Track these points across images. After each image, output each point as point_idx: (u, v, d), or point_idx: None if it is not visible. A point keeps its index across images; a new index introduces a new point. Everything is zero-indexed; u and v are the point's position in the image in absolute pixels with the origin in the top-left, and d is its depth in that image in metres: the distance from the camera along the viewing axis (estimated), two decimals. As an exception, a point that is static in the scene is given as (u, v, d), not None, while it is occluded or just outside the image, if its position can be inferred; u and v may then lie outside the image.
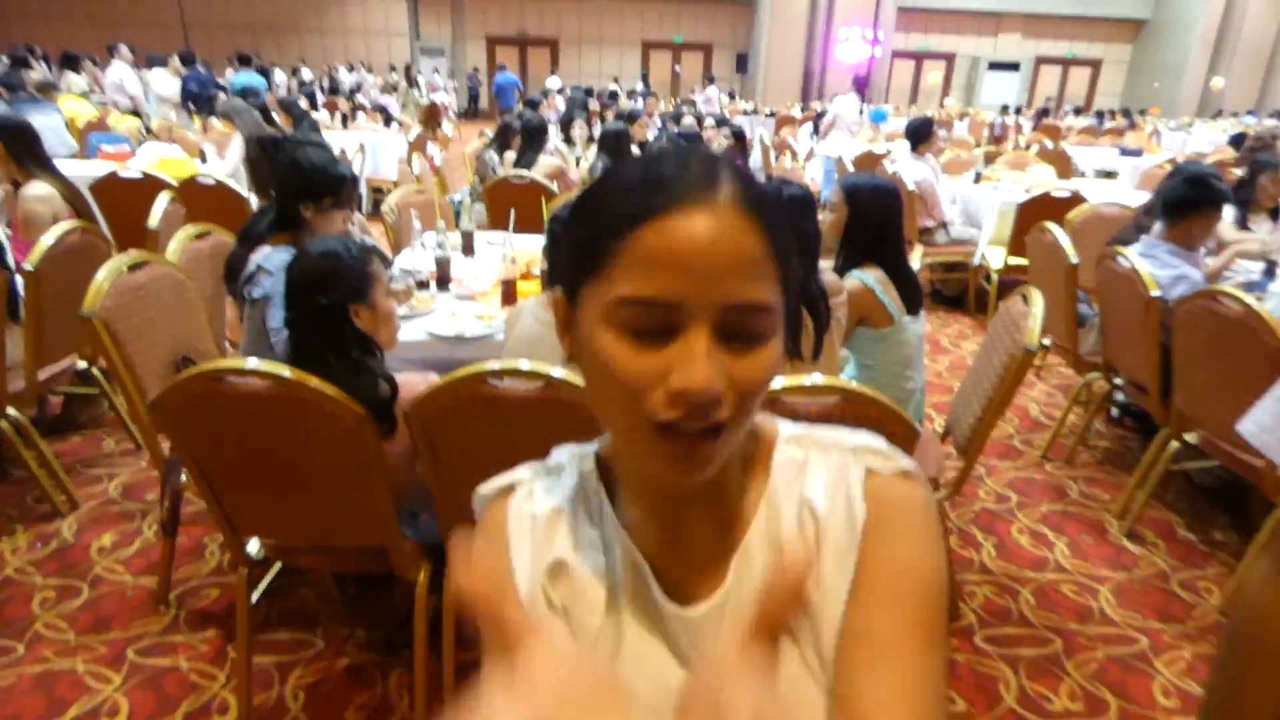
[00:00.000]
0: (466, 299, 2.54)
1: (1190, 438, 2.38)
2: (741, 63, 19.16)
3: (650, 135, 5.99)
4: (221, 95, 8.94)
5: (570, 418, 1.53)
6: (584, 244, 0.52)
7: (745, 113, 13.11)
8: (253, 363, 1.48)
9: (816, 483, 0.59)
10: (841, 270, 2.23)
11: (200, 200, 3.71)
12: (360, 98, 12.50)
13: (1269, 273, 2.92)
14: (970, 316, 4.75)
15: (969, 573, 2.31)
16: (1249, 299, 2.04)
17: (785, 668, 0.56)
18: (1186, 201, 2.56)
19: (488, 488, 0.67)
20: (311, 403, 1.53)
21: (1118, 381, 2.78)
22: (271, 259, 2.10)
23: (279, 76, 14.40)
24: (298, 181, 2.22)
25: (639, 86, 14.56)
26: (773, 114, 12.67)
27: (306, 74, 15.02)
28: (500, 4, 18.94)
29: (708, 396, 0.47)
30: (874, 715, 0.51)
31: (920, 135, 4.82)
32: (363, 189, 6.92)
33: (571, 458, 0.66)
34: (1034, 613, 2.15)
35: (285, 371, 1.53)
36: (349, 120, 8.82)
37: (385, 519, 1.67)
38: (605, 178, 0.54)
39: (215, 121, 6.85)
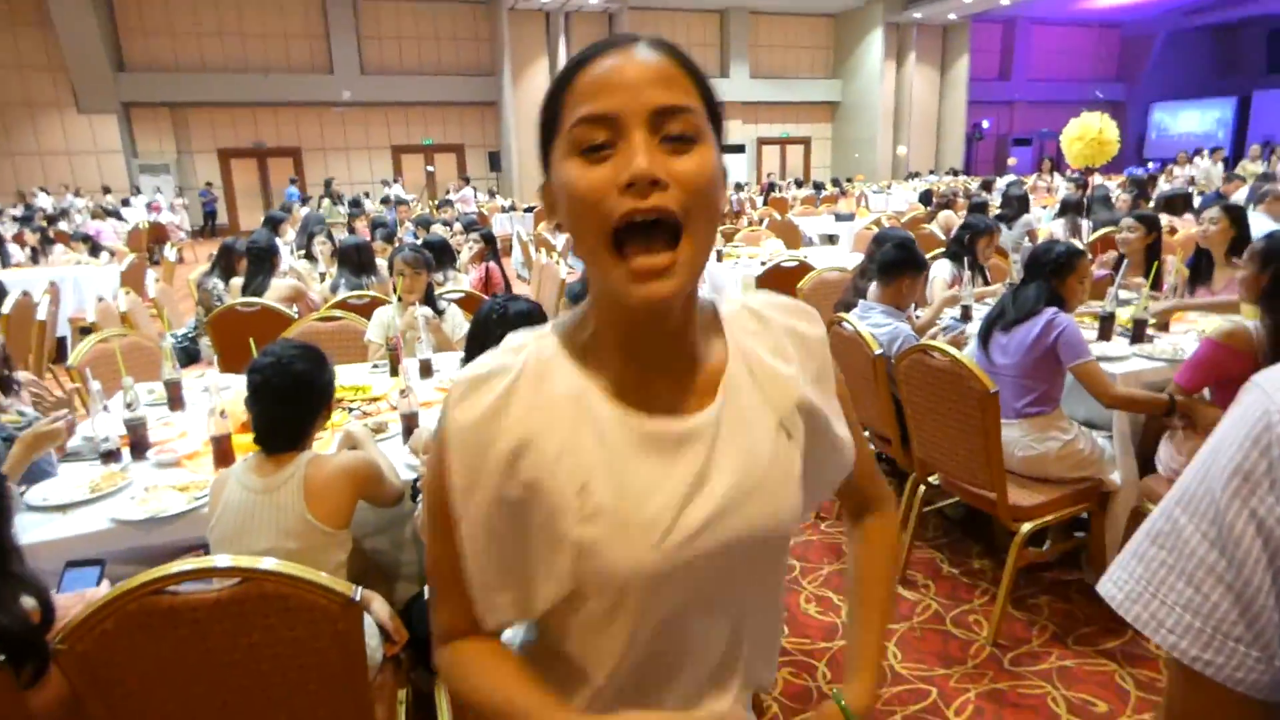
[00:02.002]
0: (170, 466, 2.13)
1: (934, 479, 2.57)
2: (494, 160, 19.49)
3: (398, 242, 5.73)
4: None
5: (280, 618, 1.26)
6: (547, 111, 0.64)
7: (504, 209, 13.26)
8: None
9: (767, 331, 0.75)
10: None
11: None
12: (64, 225, 10.95)
13: (965, 317, 3.33)
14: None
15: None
16: (952, 350, 2.25)
17: (780, 447, 0.72)
18: (895, 264, 2.84)
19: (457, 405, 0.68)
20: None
21: (865, 434, 2.97)
22: None
23: (-47, 211, 12.27)
24: None
25: (392, 192, 14.23)
26: (530, 209, 12.94)
27: (-10, 204, 12.92)
28: (229, 115, 17.81)
29: (648, 178, 0.58)
30: (859, 453, 0.83)
31: None
32: (64, 330, 5.95)
33: (530, 336, 0.71)
34: (830, 685, 2.13)
35: None
36: (40, 254, 7.62)
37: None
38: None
39: None
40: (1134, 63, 24.06)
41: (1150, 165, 18.17)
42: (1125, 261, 3.54)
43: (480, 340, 1.84)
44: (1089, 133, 5.44)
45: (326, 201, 12.39)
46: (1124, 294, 3.36)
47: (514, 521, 0.67)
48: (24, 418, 2.19)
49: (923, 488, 2.57)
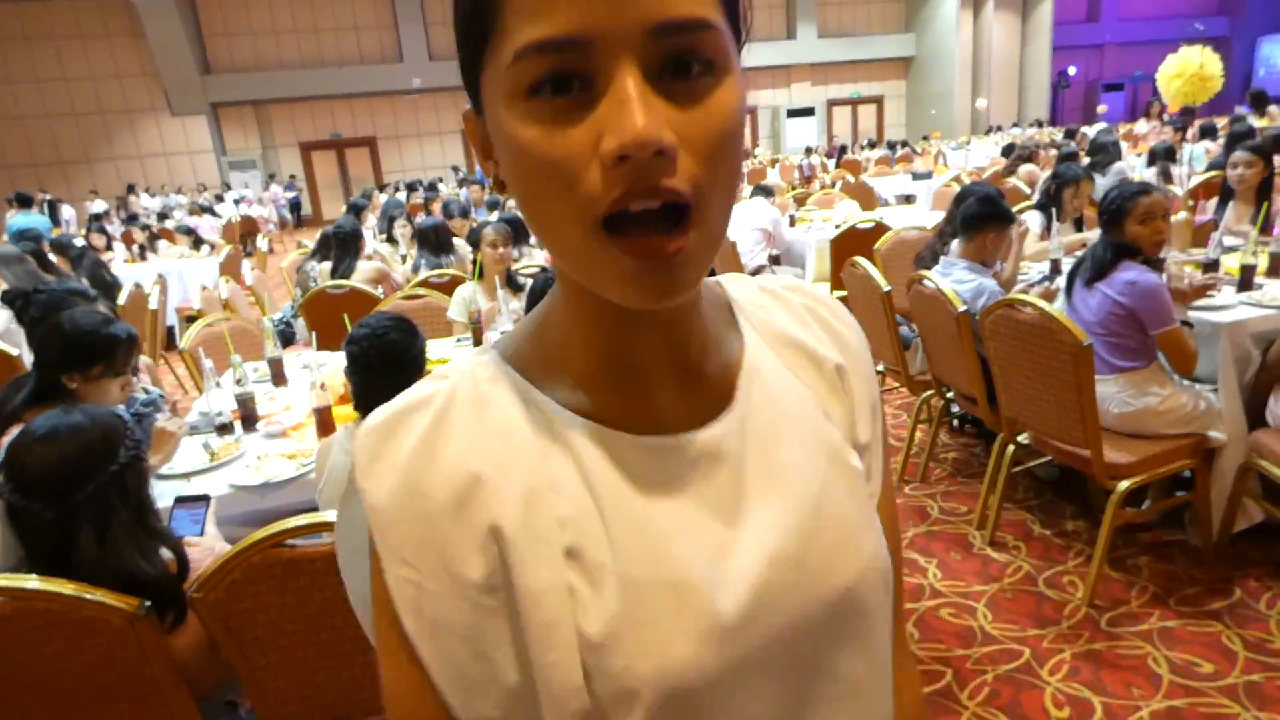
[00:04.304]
0: (278, 437, 2.28)
1: (1023, 438, 2.49)
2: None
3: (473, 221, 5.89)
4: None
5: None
6: (466, 13, 0.41)
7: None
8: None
9: (789, 311, 0.56)
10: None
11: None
12: (170, 223, 11.67)
13: (1055, 270, 3.19)
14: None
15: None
16: (1041, 302, 2.17)
17: (834, 445, 0.52)
18: (979, 218, 2.75)
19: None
20: (59, 613, 1.26)
21: (950, 395, 2.90)
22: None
23: (68, 212, 13.22)
24: (59, 349, 1.92)
25: (463, 174, 14.55)
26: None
27: (97, 205, 13.86)
28: (308, 110, 18.51)
29: (650, 148, 0.36)
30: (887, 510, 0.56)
31: (770, 189, 5.17)
32: (173, 320, 6.37)
33: (461, 359, 0.51)
34: (919, 647, 2.12)
35: (29, 582, 1.26)
36: (147, 250, 8.14)
37: (185, 731, 1.39)
38: None
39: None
40: (1238, -7, 22.16)
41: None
42: (1230, 205, 3.32)
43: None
44: (1189, 68, 5.05)
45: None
46: (1230, 240, 3.15)
47: (484, 614, 0.44)
48: (148, 394, 2.38)
49: (1011, 447, 2.50)
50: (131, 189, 15.80)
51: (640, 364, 0.47)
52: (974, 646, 2.10)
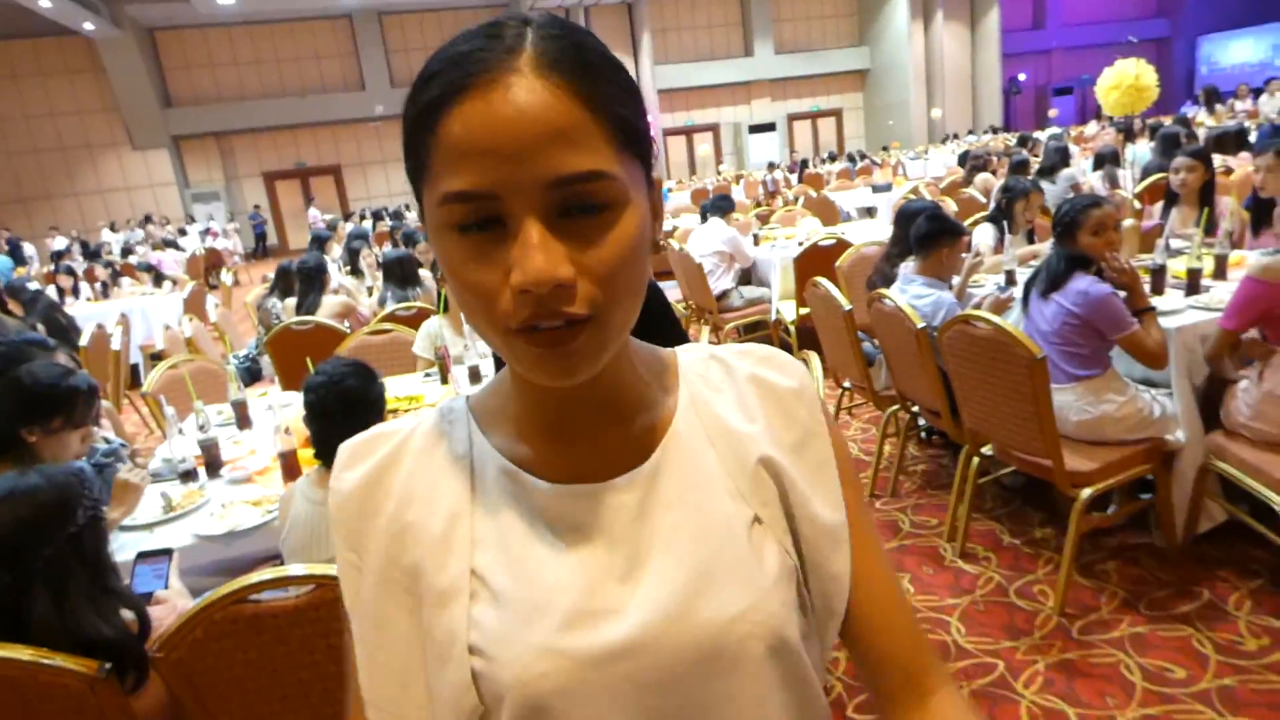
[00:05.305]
0: (242, 483, 2.24)
1: (987, 450, 2.54)
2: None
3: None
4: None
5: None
6: (408, 145, 0.49)
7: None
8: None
9: (733, 387, 0.60)
10: None
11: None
12: (133, 258, 11.49)
13: (1009, 281, 3.26)
14: (782, 366, 4.96)
15: (829, 637, 2.27)
16: (995, 318, 2.22)
17: (740, 519, 0.55)
18: (931, 235, 2.81)
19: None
20: (16, 679, 1.23)
21: (915, 409, 2.94)
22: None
23: (29, 250, 12.95)
24: (16, 403, 1.89)
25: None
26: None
27: (58, 242, 13.59)
28: (271, 139, 18.39)
29: (549, 285, 0.43)
30: (874, 587, 0.59)
31: (725, 206, 5.14)
32: (136, 357, 6.25)
33: (444, 402, 0.62)
34: (897, 663, 2.13)
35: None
36: (110, 287, 8.01)
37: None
38: (421, 70, 0.47)
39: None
40: (1175, -6, 22.90)
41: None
42: (1174, 209, 3.42)
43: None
44: (1125, 80, 5.23)
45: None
46: (1176, 243, 3.24)
47: (402, 610, 0.53)
48: (109, 443, 2.33)
49: (976, 459, 2.54)
50: (113, 226, 15.51)
51: (564, 421, 0.55)
52: (948, 661, 2.12)
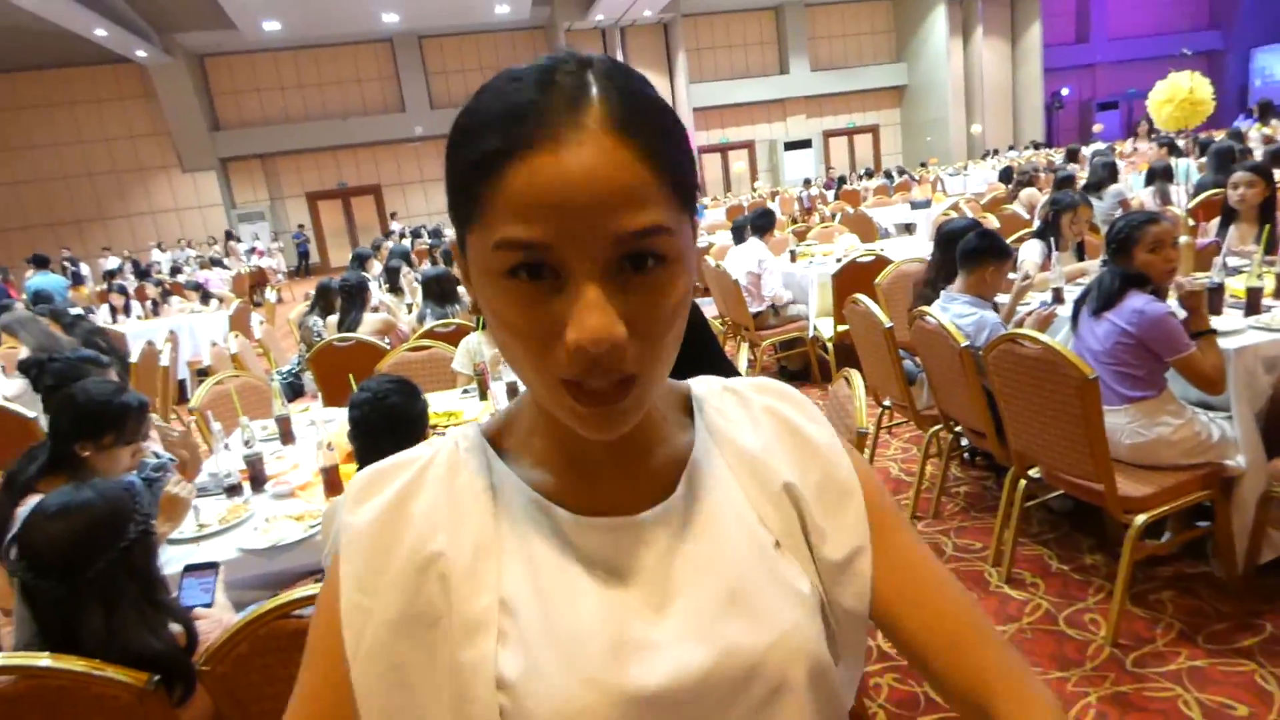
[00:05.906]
0: (286, 497, 2.27)
1: (1034, 472, 2.47)
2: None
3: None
4: (18, 305, 8.14)
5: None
6: (458, 187, 0.47)
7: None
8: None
9: (749, 418, 0.60)
10: None
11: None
12: (182, 277, 11.85)
13: (1057, 299, 3.18)
14: (817, 386, 4.90)
15: (867, 664, 2.22)
16: (1044, 337, 2.17)
17: (766, 547, 0.56)
18: (978, 252, 2.76)
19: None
20: (69, 690, 1.26)
21: (958, 429, 2.88)
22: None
23: (85, 269, 13.44)
24: (70, 419, 1.95)
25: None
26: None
27: (110, 262, 14.08)
28: (314, 161, 18.87)
29: (605, 346, 0.43)
30: (925, 611, 0.57)
31: (765, 224, 5.08)
32: (184, 373, 6.42)
33: (453, 432, 0.59)
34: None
35: (40, 660, 1.25)
36: (160, 305, 8.25)
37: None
38: (468, 108, 0.47)
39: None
40: (1228, 5, 22.37)
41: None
42: (1232, 226, 3.31)
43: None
44: (1178, 94, 5.08)
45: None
46: (1234, 261, 3.14)
47: (421, 649, 0.51)
48: (159, 458, 2.39)
49: (1023, 482, 2.47)
50: (160, 245, 16.09)
51: (588, 456, 0.55)
52: (996, 690, 2.05)
